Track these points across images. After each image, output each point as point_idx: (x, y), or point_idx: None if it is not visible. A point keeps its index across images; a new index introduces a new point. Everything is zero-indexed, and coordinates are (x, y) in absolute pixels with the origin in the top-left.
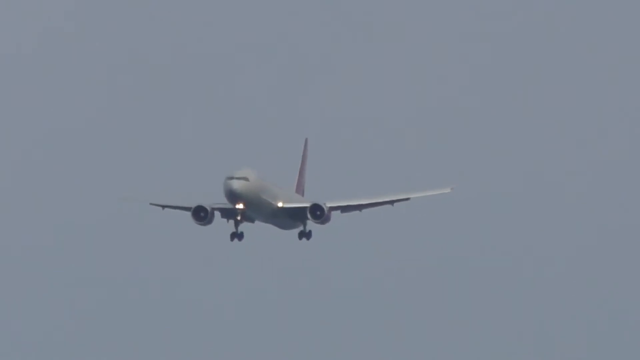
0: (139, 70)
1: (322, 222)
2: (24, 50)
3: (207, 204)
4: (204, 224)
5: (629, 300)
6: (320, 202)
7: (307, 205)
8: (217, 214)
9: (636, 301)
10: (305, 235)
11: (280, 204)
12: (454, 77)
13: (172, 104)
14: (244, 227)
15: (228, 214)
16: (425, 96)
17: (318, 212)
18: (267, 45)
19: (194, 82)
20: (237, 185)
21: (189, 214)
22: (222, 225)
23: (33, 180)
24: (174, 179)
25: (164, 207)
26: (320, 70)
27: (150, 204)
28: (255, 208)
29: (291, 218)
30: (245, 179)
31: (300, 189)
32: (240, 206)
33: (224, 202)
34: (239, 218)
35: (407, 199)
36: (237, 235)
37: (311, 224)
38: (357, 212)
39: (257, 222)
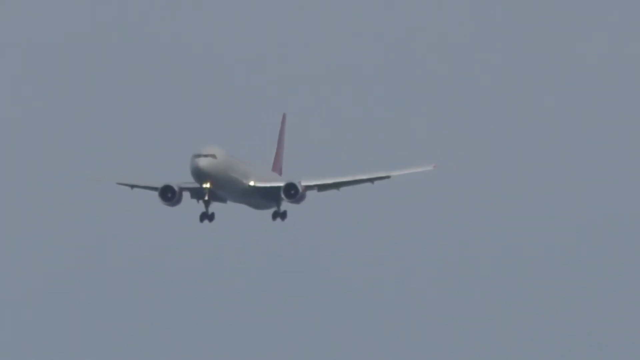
0: (104, 46)
1: (297, 202)
2: None
3: (175, 183)
4: (172, 205)
5: (614, 289)
6: (295, 181)
7: (281, 184)
8: (186, 194)
9: (623, 296)
10: (279, 215)
11: (251, 183)
12: (438, 52)
13: (142, 80)
14: (216, 207)
15: (197, 194)
16: (408, 70)
17: (292, 191)
18: (242, 18)
19: (163, 57)
20: (203, 162)
21: (156, 194)
22: (193, 206)
23: None
24: (145, 158)
25: (132, 186)
26: (300, 44)
27: (118, 183)
28: (224, 187)
29: (264, 197)
30: (213, 156)
31: (277, 168)
32: (207, 185)
33: (192, 182)
34: (206, 198)
35: (388, 176)
36: (207, 216)
37: (286, 204)
38: (335, 191)
39: (229, 203)
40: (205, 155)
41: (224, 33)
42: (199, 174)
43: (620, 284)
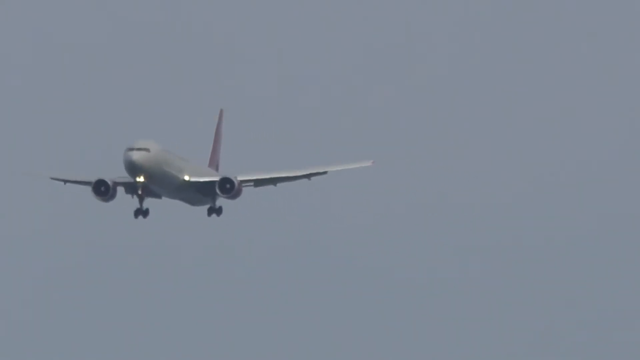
0: (37, 39)
1: (233, 197)
2: None
3: (109, 178)
4: (106, 200)
5: (609, 286)
6: (230, 175)
7: (216, 178)
8: (121, 190)
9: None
10: (215, 211)
11: (186, 178)
12: (376, 39)
13: (78, 73)
14: (151, 203)
15: (131, 188)
16: (347, 63)
17: (227, 186)
18: (182, 14)
19: (99, 50)
20: (136, 156)
21: (90, 188)
22: (128, 202)
23: None
24: (79, 152)
25: (65, 181)
26: (236, 39)
27: (51, 178)
28: (158, 182)
29: (199, 192)
30: (146, 150)
31: (214, 164)
32: (140, 179)
33: (127, 177)
34: (140, 192)
35: (325, 172)
36: (141, 212)
37: (222, 200)
38: (272, 186)
39: (164, 198)
40: (139, 149)
41: (164, 22)
42: (132, 168)
43: (616, 280)
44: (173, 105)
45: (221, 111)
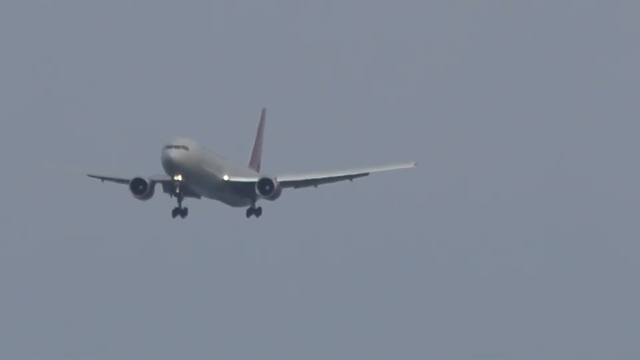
0: (75, 36)
1: (272, 198)
2: None
3: (147, 176)
4: (144, 198)
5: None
6: (270, 176)
7: (255, 179)
8: (159, 187)
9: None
10: (254, 212)
11: (225, 177)
12: (422, 47)
13: (118, 70)
14: (190, 202)
15: (169, 187)
16: (387, 62)
17: (267, 187)
18: (224, 8)
19: (141, 46)
20: (175, 154)
21: (127, 186)
22: (166, 201)
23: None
24: (119, 149)
25: (103, 179)
26: (282, 38)
27: (89, 175)
28: (197, 181)
29: (238, 193)
30: (185, 147)
31: (255, 164)
32: (178, 178)
33: (165, 174)
34: (177, 191)
35: (366, 174)
36: (180, 212)
37: (262, 201)
38: (312, 188)
39: (203, 198)
40: (177, 147)
41: (205, 23)
42: (170, 166)
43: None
44: (214, 103)
45: (263, 110)
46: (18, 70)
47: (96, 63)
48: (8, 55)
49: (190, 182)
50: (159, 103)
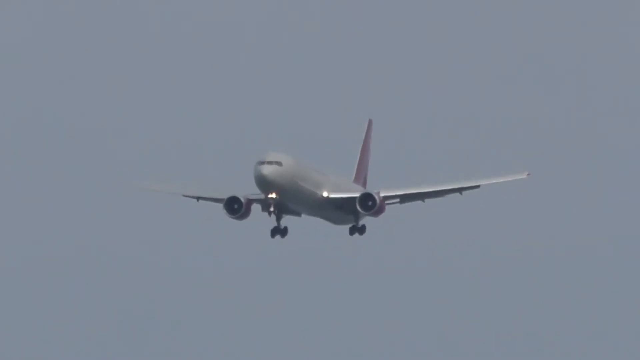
0: (163, 50)
1: (375, 214)
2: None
3: (242, 194)
4: (239, 218)
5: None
6: (372, 191)
7: (356, 195)
8: (257, 207)
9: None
10: (357, 230)
11: (324, 194)
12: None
13: (207, 85)
14: (290, 221)
15: (267, 206)
16: (497, 72)
17: (369, 203)
18: (331, 17)
19: (231, 56)
20: (267, 170)
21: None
22: (265, 220)
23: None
24: (213, 167)
25: (198, 199)
26: (385, 49)
27: (184, 195)
28: (293, 198)
29: (339, 210)
30: (278, 163)
31: (360, 178)
32: (272, 195)
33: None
34: (272, 209)
35: (477, 186)
36: (279, 231)
37: (366, 217)
38: (419, 202)
39: (304, 216)
40: (270, 162)
41: (301, 31)
42: (263, 183)
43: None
44: (318, 115)
45: (370, 122)
46: (89, 88)
47: (186, 81)
48: (90, 73)
49: (287, 200)
50: (262, 116)
